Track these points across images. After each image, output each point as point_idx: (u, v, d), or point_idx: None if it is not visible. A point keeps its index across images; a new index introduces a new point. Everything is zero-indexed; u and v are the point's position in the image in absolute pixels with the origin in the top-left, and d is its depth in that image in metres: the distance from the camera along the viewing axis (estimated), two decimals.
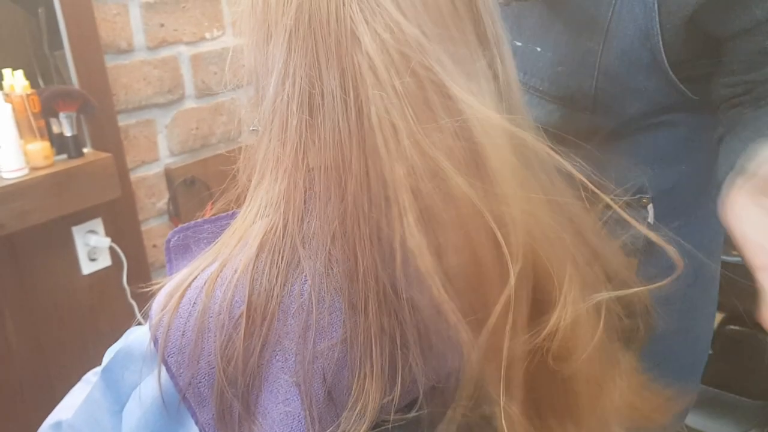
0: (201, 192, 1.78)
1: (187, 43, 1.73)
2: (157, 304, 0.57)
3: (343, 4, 0.52)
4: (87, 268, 1.59)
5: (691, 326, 1.05)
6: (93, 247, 1.58)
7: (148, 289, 0.60)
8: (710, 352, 1.87)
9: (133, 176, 1.67)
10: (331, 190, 0.53)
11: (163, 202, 1.75)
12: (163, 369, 0.56)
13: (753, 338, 1.84)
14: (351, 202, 0.52)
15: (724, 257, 1.75)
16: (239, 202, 0.62)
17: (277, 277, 0.55)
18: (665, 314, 0.98)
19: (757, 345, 1.84)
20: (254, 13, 0.57)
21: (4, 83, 1.39)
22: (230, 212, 0.64)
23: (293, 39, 0.54)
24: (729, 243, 1.90)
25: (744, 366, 1.84)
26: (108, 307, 1.63)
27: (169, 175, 1.74)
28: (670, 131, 0.91)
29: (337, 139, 0.52)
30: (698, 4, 0.78)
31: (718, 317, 1.85)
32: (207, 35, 1.76)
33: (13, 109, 1.37)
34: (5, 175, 1.37)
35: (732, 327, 1.84)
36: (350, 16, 0.52)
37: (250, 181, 0.61)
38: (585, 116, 0.92)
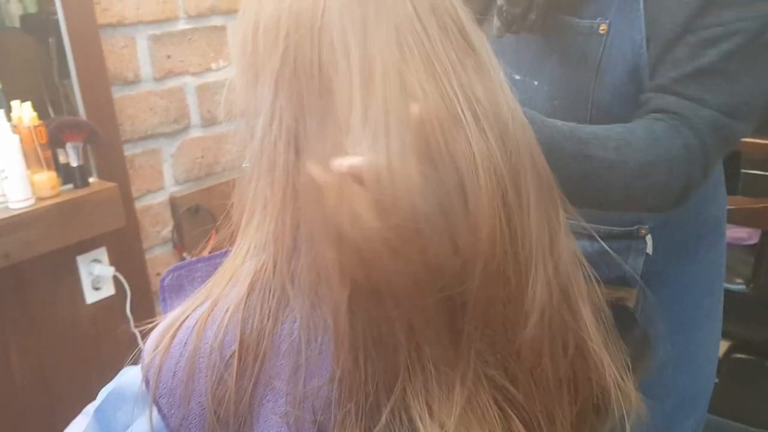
0: (205, 220, 1.79)
1: (194, 74, 1.75)
2: (149, 344, 0.58)
3: (327, 51, 0.53)
4: (91, 297, 1.60)
5: (693, 358, 1.05)
6: (97, 276, 1.59)
7: (151, 325, 0.61)
8: (716, 380, 1.85)
9: (138, 205, 1.68)
10: (318, 228, 0.54)
11: (167, 231, 1.76)
12: (155, 410, 0.56)
13: (760, 366, 1.83)
14: (333, 239, 0.53)
15: (728, 285, 1.75)
16: (232, 240, 0.63)
17: (268, 316, 0.56)
18: (666, 347, 0.98)
19: (763, 373, 1.82)
20: (244, 55, 0.58)
21: (13, 115, 1.41)
22: (224, 250, 0.65)
23: (279, 81, 0.55)
24: (733, 271, 1.88)
25: (751, 394, 1.83)
26: (111, 336, 1.63)
27: (173, 203, 1.75)
28: None
29: (320, 177, 0.53)
30: (677, 41, 0.80)
31: (724, 345, 1.84)
32: (213, 66, 1.78)
33: (21, 140, 1.39)
34: (12, 206, 1.38)
35: (738, 355, 1.83)
36: (331, 63, 0.53)
37: (242, 219, 0.61)
38: None
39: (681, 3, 0.78)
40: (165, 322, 0.59)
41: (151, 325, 0.61)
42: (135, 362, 0.61)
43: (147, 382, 0.56)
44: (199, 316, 0.57)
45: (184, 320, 0.58)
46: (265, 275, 0.57)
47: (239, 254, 0.59)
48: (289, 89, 0.54)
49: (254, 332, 0.55)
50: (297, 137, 0.54)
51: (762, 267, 1.73)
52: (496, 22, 0.92)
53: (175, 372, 0.56)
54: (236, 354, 0.55)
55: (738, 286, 1.78)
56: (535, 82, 0.95)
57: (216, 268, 0.62)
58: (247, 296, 0.57)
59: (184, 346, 0.56)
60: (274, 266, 0.56)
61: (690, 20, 0.78)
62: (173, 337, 0.57)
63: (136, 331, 1.63)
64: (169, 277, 0.65)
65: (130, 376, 0.60)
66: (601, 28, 0.85)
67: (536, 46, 0.94)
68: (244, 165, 0.62)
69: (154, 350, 0.57)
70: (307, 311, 0.55)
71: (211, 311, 0.57)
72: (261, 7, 0.57)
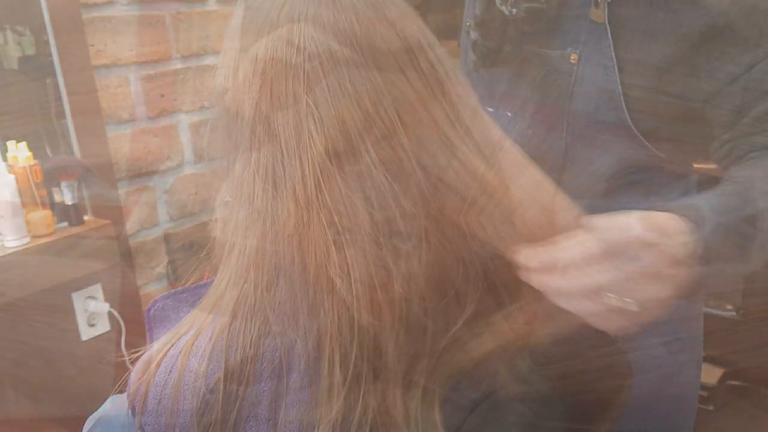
0: (200, 255, 1.80)
1: (186, 112, 1.78)
2: (135, 373, 0.59)
3: (299, 87, 0.55)
4: (86, 333, 1.61)
5: (676, 381, 1.05)
6: (92, 313, 1.60)
7: (138, 354, 0.62)
8: (711, 408, 1.85)
9: (133, 242, 1.70)
10: (295, 257, 0.55)
11: (162, 267, 1.78)
12: None
13: (754, 393, 1.83)
14: (310, 268, 0.54)
15: (718, 312, 1.75)
16: (216, 271, 0.64)
17: (250, 343, 0.57)
18: (645, 380, 0.98)
19: (758, 400, 1.82)
20: (225, 92, 0.60)
21: (8, 155, 1.44)
22: (209, 280, 0.67)
23: (257, 114, 0.57)
24: (722, 298, 1.87)
25: (746, 421, 1.82)
26: (106, 373, 1.63)
27: (168, 239, 1.77)
28: (642, 190, 0.93)
29: (296, 208, 0.55)
30: (662, 72, 0.82)
31: (719, 373, 1.84)
32: (206, 103, 1.82)
33: (17, 180, 1.41)
34: (7, 244, 1.40)
35: (732, 382, 1.83)
36: (305, 100, 0.55)
37: (224, 249, 0.63)
38: (556, 176, 0.95)
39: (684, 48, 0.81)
40: (151, 350, 0.60)
41: (137, 354, 0.62)
42: (121, 390, 0.62)
43: (133, 409, 0.57)
44: (184, 344, 0.58)
45: (169, 349, 0.59)
46: (247, 302, 0.58)
47: (221, 283, 0.61)
48: (266, 121, 0.56)
49: (238, 359, 0.57)
50: (275, 168, 0.56)
51: (751, 292, 1.74)
52: (471, 56, 0.95)
53: (160, 399, 0.57)
54: (221, 381, 0.56)
55: (728, 312, 1.79)
56: (509, 113, 0.97)
57: (200, 298, 0.64)
58: (230, 324, 0.58)
59: (169, 374, 0.57)
60: (255, 293, 0.58)
61: (730, 72, 0.80)
62: (159, 365, 0.58)
63: (130, 366, 1.63)
64: (155, 307, 0.67)
65: (116, 404, 0.61)
66: (572, 57, 0.87)
67: (508, 77, 0.97)
68: (226, 199, 0.64)
69: (139, 378, 0.58)
70: (289, 339, 0.57)
71: (196, 339, 0.58)
72: (241, 47, 0.59)
